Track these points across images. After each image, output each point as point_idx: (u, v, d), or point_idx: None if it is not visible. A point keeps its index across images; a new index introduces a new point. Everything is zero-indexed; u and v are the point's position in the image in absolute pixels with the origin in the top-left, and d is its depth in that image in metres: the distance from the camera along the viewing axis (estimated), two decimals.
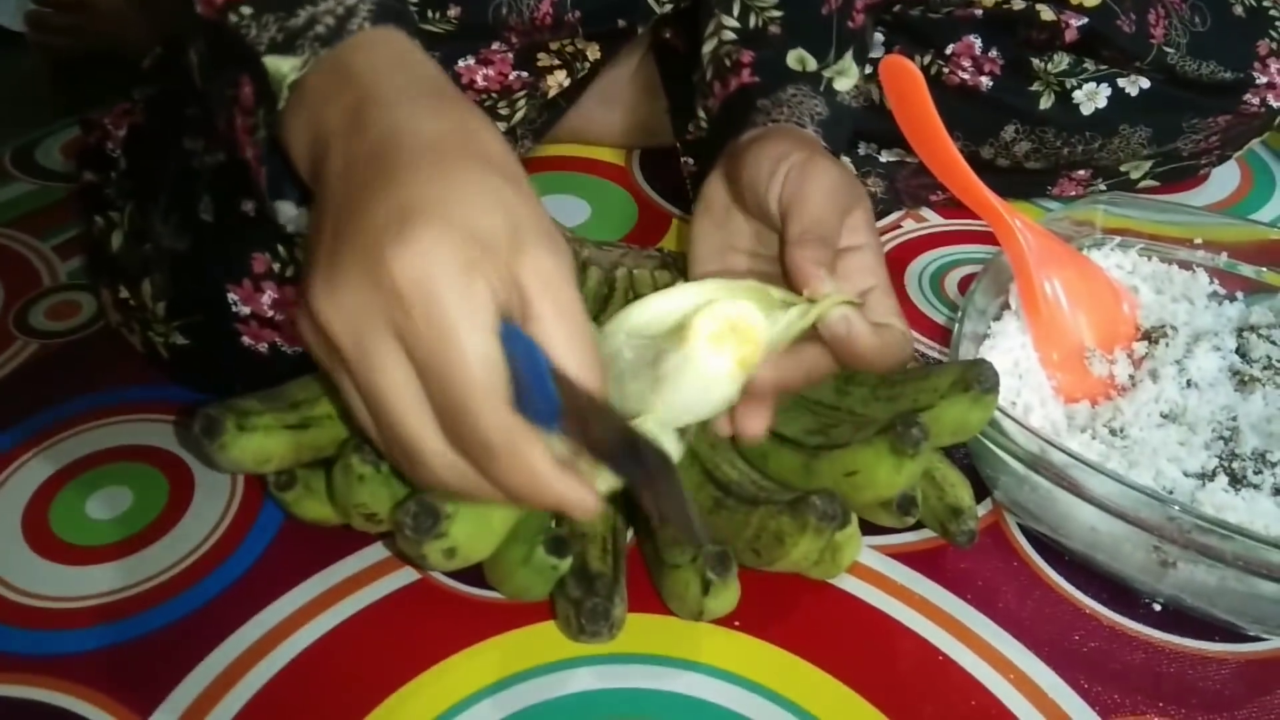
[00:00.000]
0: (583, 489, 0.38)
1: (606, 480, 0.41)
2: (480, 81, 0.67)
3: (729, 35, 0.61)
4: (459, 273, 0.35)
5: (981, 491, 0.57)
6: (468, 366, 0.35)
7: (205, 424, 0.46)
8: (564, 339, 0.37)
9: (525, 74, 0.68)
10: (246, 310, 0.53)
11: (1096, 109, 0.74)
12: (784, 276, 0.47)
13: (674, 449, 0.46)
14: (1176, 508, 0.47)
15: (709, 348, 0.43)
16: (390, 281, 0.34)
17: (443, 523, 0.42)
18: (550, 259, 0.37)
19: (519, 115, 0.69)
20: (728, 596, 0.47)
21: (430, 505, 0.42)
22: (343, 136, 0.39)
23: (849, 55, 0.60)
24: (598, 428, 0.37)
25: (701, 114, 0.63)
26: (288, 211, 0.45)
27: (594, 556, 0.48)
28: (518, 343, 0.36)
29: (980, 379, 0.48)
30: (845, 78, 0.60)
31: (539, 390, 0.36)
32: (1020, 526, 0.57)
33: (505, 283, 0.36)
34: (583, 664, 0.49)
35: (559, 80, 0.72)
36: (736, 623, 0.51)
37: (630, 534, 0.54)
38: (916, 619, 0.52)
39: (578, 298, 0.38)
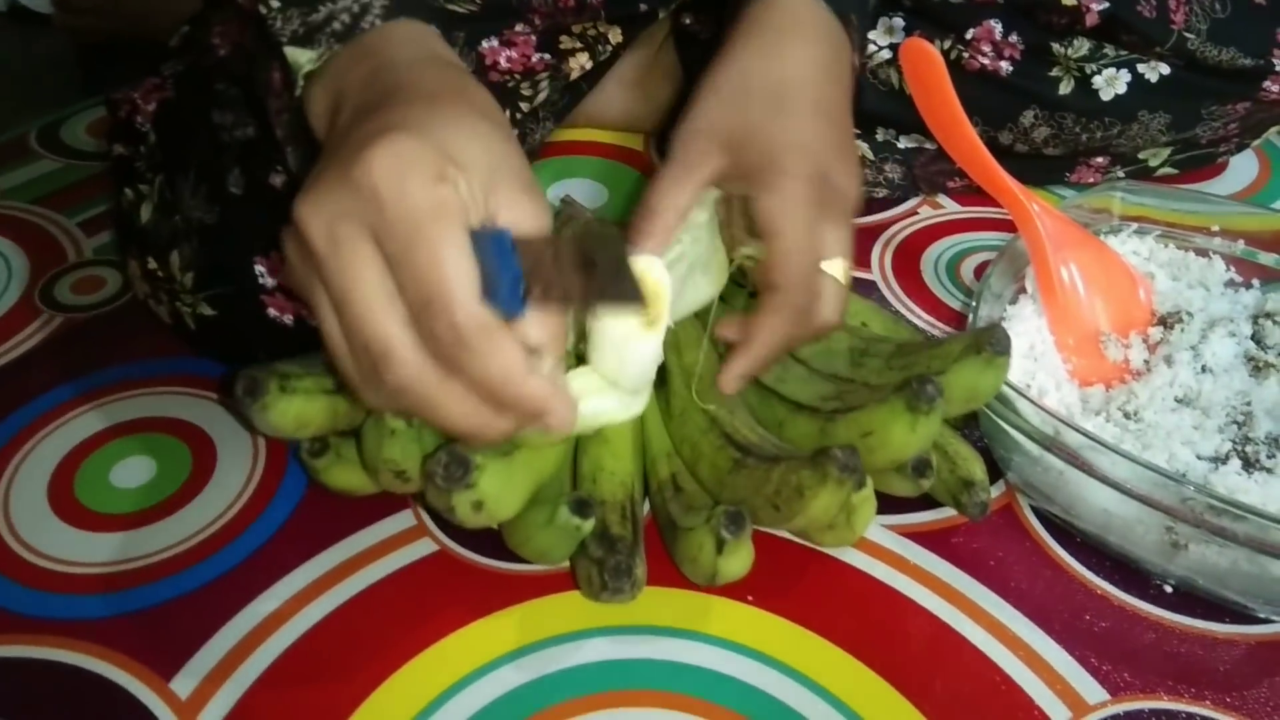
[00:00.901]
0: (557, 393, 0.38)
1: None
2: (503, 63, 0.67)
3: None
4: (432, 177, 0.36)
5: (995, 474, 0.57)
6: (440, 256, 0.35)
7: (249, 385, 0.46)
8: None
9: (548, 56, 0.69)
10: (273, 282, 0.54)
11: (1116, 94, 0.74)
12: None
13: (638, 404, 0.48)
14: (1190, 488, 0.48)
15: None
16: (365, 181, 0.35)
17: (473, 473, 0.43)
18: (527, 203, 0.38)
19: (541, 97, 0.70)
20: (741, 558, 0.48)
21: (461, 455, 0.43)
22: (356, 94, 0.41)
23: None
24: (559, 269, 0.38)
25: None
26: None
27: (614, 522, 0.49)
28: (483, 238, 0.37)
29: (992, 342, 0.49)
30: None
31: (505, 269, 0.37)
32: (1033, 508, 0.57)
33: (476, 205, 0.37)
34: (598, 634, 0.49)
35: (581, 63, 0.73)
36: (749, 597, 0.51)
37: (645, 506, 0.54)
38: (928, 596, 0.52)
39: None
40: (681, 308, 0.54)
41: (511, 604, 0.51)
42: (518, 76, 0.68)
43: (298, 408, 0.47)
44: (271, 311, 0.54)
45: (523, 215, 0.38)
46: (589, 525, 0.47)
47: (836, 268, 0.50)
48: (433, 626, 0.49)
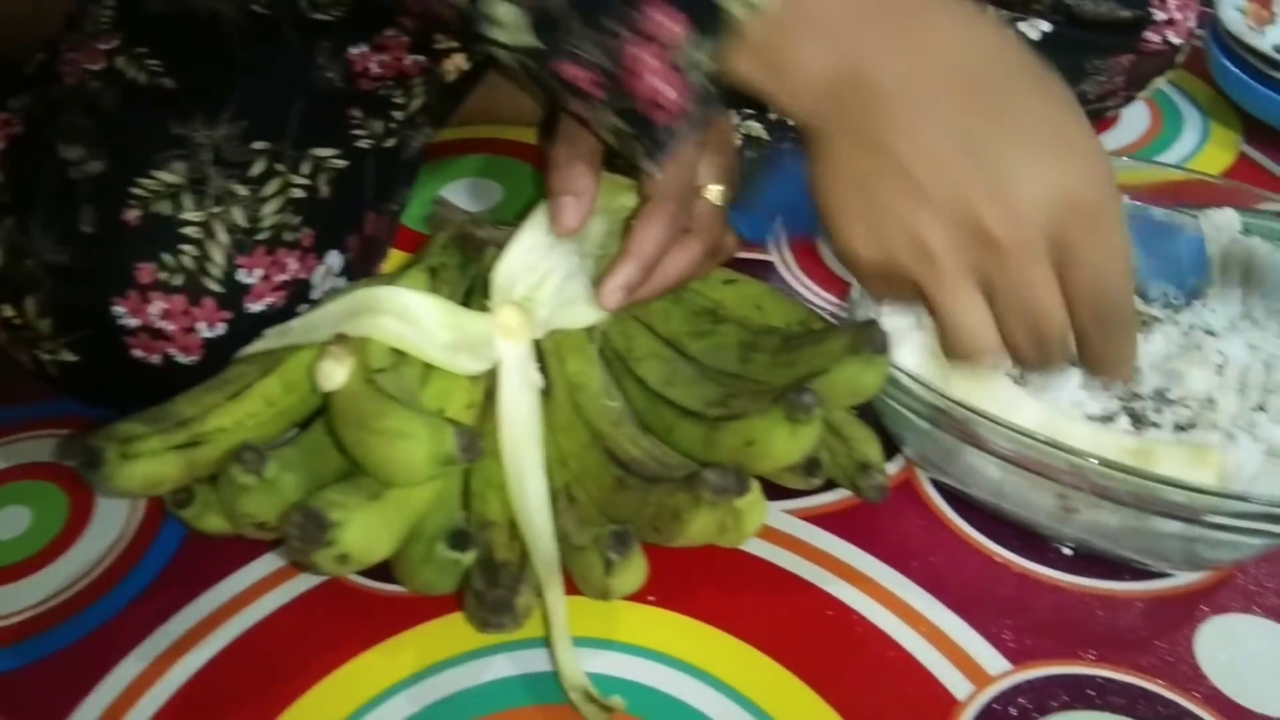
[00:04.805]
0: None
1: None
2: (375, 69, 0.65)
3: None
4: None
5: (893, 449, 0.57)
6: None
7: (86, 456, 0.44)
8: None
9: (422, 58, 0.67)
10: (135, 323, 0.52)
11: None
12: None
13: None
14: (1072, 454, 0.48)
15: None
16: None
17: (330, 530, 0.42)
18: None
19: (416, 103, 0.68)
20: (632, 575, 0.47)
21: (316, 514, 0.42)
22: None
23: None
24: None
25: None
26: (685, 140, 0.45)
27: (500, 545, 0.48)
28: None
29: (870, 341, 0.48)
30: None
31: None
32: (932, 481, 0.57)
33: None
34: (499, 651, 0.49)
35: (458, 64, 0.71)
36: (650, 598, 0.51)
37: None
38: (830, 580, 0.52)
39: None
40: (568, 319, 0.53)
41: (409, 627, 0.49)
42: (390, 83, 0.66)
43: (144, 470, 0.45)
44: (137, 353, 0.52)
45: None
46: (469, 557, 0.46)
47: (714, 194, 0.51)
48: (326, 658, 0.48)
